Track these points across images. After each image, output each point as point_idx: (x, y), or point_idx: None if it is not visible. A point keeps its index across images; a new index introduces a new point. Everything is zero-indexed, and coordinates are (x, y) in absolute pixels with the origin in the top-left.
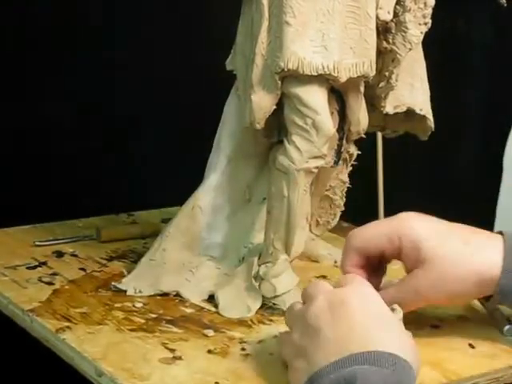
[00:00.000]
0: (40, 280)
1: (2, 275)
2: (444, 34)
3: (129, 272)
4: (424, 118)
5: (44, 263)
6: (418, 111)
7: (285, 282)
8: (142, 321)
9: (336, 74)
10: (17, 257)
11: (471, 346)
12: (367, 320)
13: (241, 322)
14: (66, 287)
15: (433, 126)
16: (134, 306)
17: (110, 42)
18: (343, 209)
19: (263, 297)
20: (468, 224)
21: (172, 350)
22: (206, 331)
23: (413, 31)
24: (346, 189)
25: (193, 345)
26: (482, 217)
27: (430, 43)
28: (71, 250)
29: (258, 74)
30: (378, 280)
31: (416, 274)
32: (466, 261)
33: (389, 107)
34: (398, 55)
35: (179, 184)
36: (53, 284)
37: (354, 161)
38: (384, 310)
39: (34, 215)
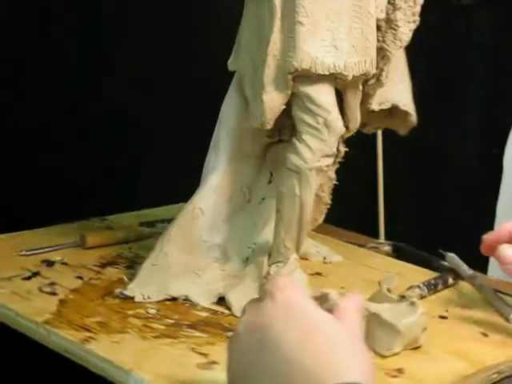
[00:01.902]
0: (41, 290)
1: None
2: (444, 33)
3: (128, 278)
4: (406, 113)
5: (37, 273)
6: (402, 107)
7: (297, 281)
8: (162, 327)
9: (346, 73)
10: (6, 267)
11: (484, 334)
12: (297, 347)
13: None
14: (71, 297)
15: (415, 121)
16: (147, 312)
17: (111, 42)
18: (329, 206)
19: None
20: (468, 224)
21: (204, 355)
22: (230, 334)
23: (403, 29)
24: (333, 186)
25: (222, 348)
26: (482, 217)
27: (429, 43)
28: (59, 258)
29: (270, 74)
30: None
31: None
32: None
33: (374, 104)
34: (388, 53)
35: (179, 184)
36: (56, 294)
37: (354, 161)
38: (320, 320)
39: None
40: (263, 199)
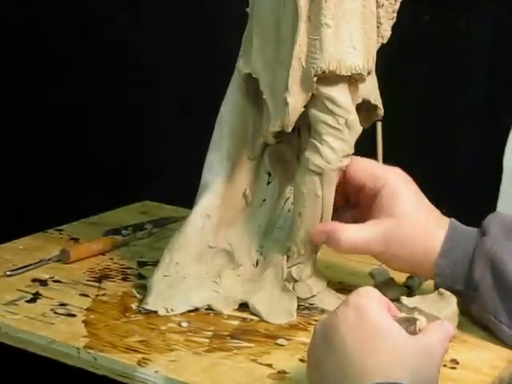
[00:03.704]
0: (56, 313)
1: (10, 313)
2: (444, 33)
3: (138, 292)
4: (375, 107)
5: (38, 294)
6: (372, 102)
7: (319, 281)
8: (206, 340)
9: (364, 73)
10: None
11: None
12: (358, 347)
13: (293, 326)
14: (92, 317)
15: (382, 114)
16: (180, 325)
17: (110, 42)
18: None
19: (298, 298)
20: (468, 224)
21: (269, 365)
22: (279, 341)
23: (385, 26)
24: None
25: (280, 356)
26: (482, 217)
27: (430, 43)
28: (48, 276)
29: (295, 77)
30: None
31: (384, 222)
32: (424, 234)
33: None
34: None
35: (178, 184)
36: (74, 315)
37: None
38: (380, 328)
39: None
40: (264, 200)
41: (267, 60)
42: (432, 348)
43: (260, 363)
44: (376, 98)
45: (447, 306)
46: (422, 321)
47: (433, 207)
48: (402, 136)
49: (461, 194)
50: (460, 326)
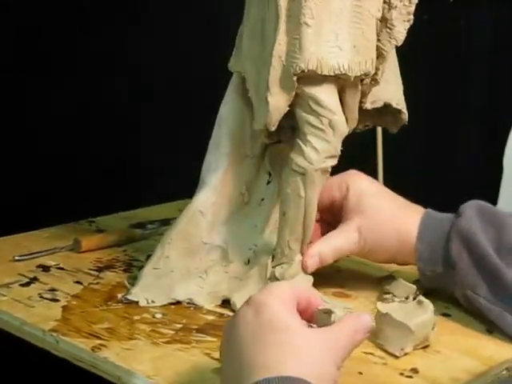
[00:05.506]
0: (42, 297)
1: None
2: (445, 33)
3: (129, 282)
4: (398, 111)
5: (35, 279)
6: (394, 106)
7: (303, 282)
8: (171, 332)
9: (350, 74)
10: (1, 273)
11: (488, 331)
12: (251, 343)
13: None
14: (74, 303)
15: (407, 119)
16: (154, 317)
17: (110, 41)
18: None
19: None
20: None
21: (219, 360)
22: None
23: (398, 28)
24: None
25: None
26: None
27: (430, 43)
28: (54, 263)
29: (275, 75)
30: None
31: (353, 220)
32: (393, 219)
33: (367, 103)
34: (383, 52)
35: (178, 183)
36: (58, 300)
37: (354, 161)
38: (273, 323)
39: None
40: (262, 200)
41: (254, 59)
42: (333, 340)
43: (212, 357)
44: (399, 102)
45: (421, 314)
46: (337, 313)
47: (401, 198)
48: (401, 136)
49: (461, 194)
50: (438, 336)
